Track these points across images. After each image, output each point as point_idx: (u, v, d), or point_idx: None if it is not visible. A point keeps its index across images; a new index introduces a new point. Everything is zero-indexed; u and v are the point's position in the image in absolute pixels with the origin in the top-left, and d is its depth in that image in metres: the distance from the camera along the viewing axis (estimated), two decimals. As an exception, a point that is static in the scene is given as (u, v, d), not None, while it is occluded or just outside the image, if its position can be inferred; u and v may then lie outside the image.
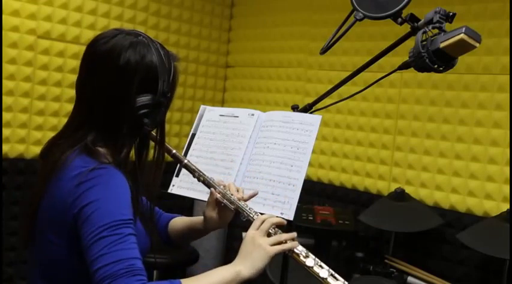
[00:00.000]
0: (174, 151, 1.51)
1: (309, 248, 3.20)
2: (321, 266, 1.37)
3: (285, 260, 1.80)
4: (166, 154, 1.46)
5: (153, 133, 1.41)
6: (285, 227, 1.46)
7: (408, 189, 3.15)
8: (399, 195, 3.02)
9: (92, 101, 1.29)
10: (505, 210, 2.72)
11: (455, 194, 3.08)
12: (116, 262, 1.11)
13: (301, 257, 1.38)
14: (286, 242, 1.37)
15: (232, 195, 1.50)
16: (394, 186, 3.20)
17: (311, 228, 3.17)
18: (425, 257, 3.13)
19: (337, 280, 1.35)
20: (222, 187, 1.52)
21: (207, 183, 1.54)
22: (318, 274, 1.36)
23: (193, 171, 1.55)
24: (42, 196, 1.27)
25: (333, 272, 1.37)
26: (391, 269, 2.96)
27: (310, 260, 1.37)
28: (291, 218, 1.68)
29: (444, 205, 3.12)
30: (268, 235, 1.37)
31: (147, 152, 1.39)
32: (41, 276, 1.29)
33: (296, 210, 1.67)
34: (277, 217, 1.44)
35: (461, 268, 3.02)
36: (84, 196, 1.18)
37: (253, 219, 1.42)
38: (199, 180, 1.55)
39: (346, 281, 1.35)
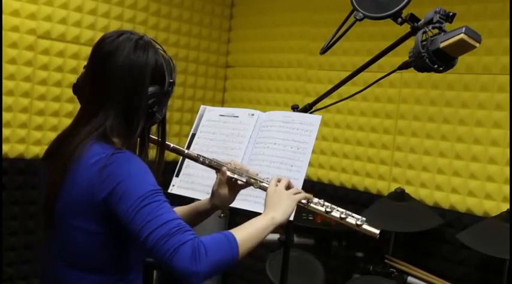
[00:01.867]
0: (172, 145, 1.58)
1: (309, 248, 3.20)
2: (338, 210, 1.51)
3: (285, 260, 1.81)
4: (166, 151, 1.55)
5: (153, 136, 1.49)
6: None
7: (408, 189, 3.15)
8: (399, 195, 3.02)
9: (106, 94, 1.35)
10: (505, 209, 2.72)
11: (455, 194, 3.08)
12: (164, 223, 1.20)
13: (319, 206, 1.51)
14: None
15: (239, 169, 1.61)
16: (394, 186, 3.20)
17: (311, 228, 3.17)
18: (425, 257, 3.13)
19: (354, 217, 1.49)
20: (228, 164, 1.61)
21: (214, 164, 1.60)
22: (337, 217, 1.49)
23: (196, 158, 1.61)
24: (61, 185, 1.31)
25: (350, 213, 1.50)
26: (391, 269, 2.96)
27: (328, 207, 1.50)
28: (291, 218, 1.67)
29: (444, 205, 3.12)
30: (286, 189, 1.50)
31: (147, 148, 1.46)
32: (68, 265, 1.33)
33: (296, 210, 1.66)
34: None
35: (461, 268, 3.02)
36: (111, 179, 1.25)
37: (267, 184, 1.53)
38: (204, 164, 1.61)
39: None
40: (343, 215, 1.49)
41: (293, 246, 1.85)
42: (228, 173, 1.58)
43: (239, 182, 1.59)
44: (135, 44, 1.36)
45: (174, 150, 1.59)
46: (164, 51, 1.44)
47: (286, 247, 1.84)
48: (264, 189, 1.52)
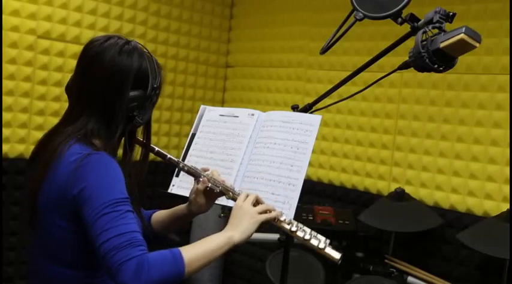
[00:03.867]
0: (157, 149, 1.59)
1: (309, 248, 3.18)
2: (303, 230, 1.51)
3: (285, 260, 1.80)
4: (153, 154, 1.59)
5: (139, 138, 1.52)
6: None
7: (408, 189, 3.15)
8: (399, 195, 3.02)
9: (90, 95, 1.40)
10: (505, 210, 2.72)
11: (455, 194, 3.08)
12: (118, 235, 1.22)
13: (285, 224, 1.51)
14: (271, 211, 1.51)
15: (216, 179, 1.62)
16: (394, 186, 3.20)
17: (311, 228, 3.16)
18: (425, 257, 3.13)
19: (319, 240, 1.50)
20: (206, 173, 1.63)
21: (193, 172, 1.63)
22: (301, 237, 1.49)
23: (177, 163, 1.63)
24: (42, 182, 1.35)
25: (316, 234, 1.51)
26: (391, 269, 2.96)
27: (294, 226, 1.51)
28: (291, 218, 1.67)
29: (444, 205, 3.12)
30: (254, 206, 1.50)
31: (131, 152, 1.49)
32: (50, 260, 1.37)
33: (296, 210, 1.67)
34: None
35: (461, 268, 3.02)
36: (82, 179, 1.28)
37: (238, 195, 1.54)
38: (183, 170, 1.63)
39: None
40: (307, 237, 1.49)
41: (293, 246, 1.85)
42: (206, 182, 1.60)
43: (215, 191, 1.61)
44: (120, 48, 1.40)
45: (157, 154, 1.60)
46: (152, 55, 1.46)
47: (286, 247, 1.84)
48: (235, 200, 1.53)
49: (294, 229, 1.50)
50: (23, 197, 1.49)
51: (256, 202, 1.51)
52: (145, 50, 1.46)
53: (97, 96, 1.39)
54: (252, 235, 1.44)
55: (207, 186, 1.59)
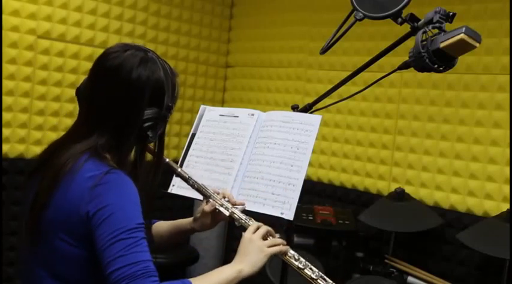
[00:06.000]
0: (167, 160, 1.56)
1: (309, 248, 3.18)
2: (311, 269, 1.50)
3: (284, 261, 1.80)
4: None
5: (150, 146, 1.48)
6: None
7: (408, 189, 3.15)
8: (399, 195, 3.02)
9: (104, 110, 1.35)
10: (505, 209, 2.73)
11: (455, 194, 3.08)
12: (133, 263, 1.18)
13: (293, 260, 1.51)
14: (279, 245, 1.50)
15: (227, 201, 1.60)
16: (394, 186, 3.20)
17: (311, 228, 3.17)
18: (425, 257, 3.13)
19: (326, 281, 1.47)
20: (216, 194, 1.61)
21: (202, 190, 1.61)
22: (309, 276, 1.48)
23: (187, 179, 1.61)
24: (52, 193, 1.29)
25: (323, 275, 1.48)
26: (391, 269, 2.96)
27: (302, 264, 1.50)
28: (291, 218, 1.67)
29: (444, 205, 3.12)
30: (263, 239, 1.49)
31: (143, 161, 1.46)
32: (51, 276, 1.32)
33: (296, 210, 1.67)
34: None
35: (461, 268, 3.02)
36: (100, 199, 1.23)
37: (248, 224, 1.53)
38: (193, 187, 1.61)
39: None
40: (314, 276, 1.48)
41: (293, 246, 1.85)
42: (214, 204, 1.59)
43: (223, 216, 1.60)
44: (139, 61, 1.34)
45: (167, 166, 1.57)
46: (171, 70, 1.41)
47: (286, 247, 1.83)
48: (245, 228, 1.52)
49: (301, 266, 1.49)
50: (21, 210, 1.43)
51: (266, 235, 1.50)
52: (162, 61, 1.40)
53: (110, 115, 1.33)
54: (260, 268, 1.43)
55: (216, 208, 1.58)
